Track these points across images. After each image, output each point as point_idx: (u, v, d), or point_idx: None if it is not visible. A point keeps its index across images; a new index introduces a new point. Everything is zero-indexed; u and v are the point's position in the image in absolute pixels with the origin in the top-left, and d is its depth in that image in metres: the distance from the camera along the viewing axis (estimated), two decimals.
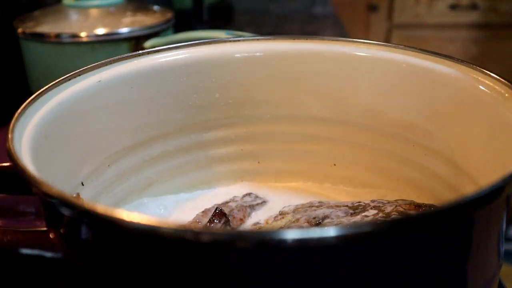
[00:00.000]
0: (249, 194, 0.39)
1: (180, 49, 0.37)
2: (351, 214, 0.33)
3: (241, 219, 0.36)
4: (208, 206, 0.37)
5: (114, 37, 0.57)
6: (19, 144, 0.25)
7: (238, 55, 0.38)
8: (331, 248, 0.19)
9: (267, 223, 0.36)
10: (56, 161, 0.30)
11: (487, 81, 0.31)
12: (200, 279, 0.20)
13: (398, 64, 0.35)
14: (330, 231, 0.18)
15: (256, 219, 0.37)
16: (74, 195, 0.30)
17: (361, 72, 0.37)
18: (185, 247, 0.19)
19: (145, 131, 0.37)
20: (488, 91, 0.30)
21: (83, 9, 0.62)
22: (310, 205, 0.36)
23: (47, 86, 0.31)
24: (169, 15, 0.63)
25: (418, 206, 0.32)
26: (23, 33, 0.58)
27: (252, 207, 0.37)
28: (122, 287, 0.22)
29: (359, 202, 0.34)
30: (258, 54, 0.38)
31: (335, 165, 0.40)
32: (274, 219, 0.36)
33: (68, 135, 0.31)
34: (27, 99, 0.29)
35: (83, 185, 0.32)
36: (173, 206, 0.38)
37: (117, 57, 0.35)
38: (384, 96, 0.36)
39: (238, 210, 0.36)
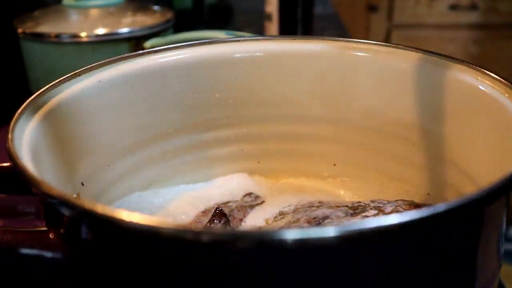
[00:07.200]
0: (249, 194, 0.39)
1: (180, 49, 0.37)
2: (351, 215, 0.33)
3: (241, 219, 0.36)
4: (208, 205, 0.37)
5: (114, 37, 0.57)
6: (19, 144, 0.25)
7: (238, 55, 0.38)
8: (331, 248, 0.19)
9: (267, 223, 0.36)
10: (56, 161, 0.30)
11: (487, 81, 0.31)
12: (200, 279, 0.20)
13: (398, 64, 0.35)
14: (330, 231, 0.18)
15: (256, 219, 0.37)
16: (74, 195, 0.30)
17: (361, 72, 0.37)
18: (185, 247, 0.19)
19: (145, 131, 0.37)
20: (488, 91, 0.30)
21: (83, 9, 0.62)
22: (310, 205, 0.36)
23: (47, 86, 0.31)
24: (169, 15, 0.63)
25: (418, 206, 0.32)
26: (23, 33, 0.58)
27: (252, 207, 0.37)
28: (122, 287, 0.22)
29: (359, 202, 0.34)
30: (258, 54, 0.38)
31: (335, 165, 0.40)
32: (274, 219, 0.36)
33: (68, 135, 0.31)
34: (27, 99, 0.29)
35: (83, 185, 0.32)
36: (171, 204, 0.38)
37: (117, 57, 0.35)
38: (384, 96, 0.36)
39: (238, 210, 0.36)
